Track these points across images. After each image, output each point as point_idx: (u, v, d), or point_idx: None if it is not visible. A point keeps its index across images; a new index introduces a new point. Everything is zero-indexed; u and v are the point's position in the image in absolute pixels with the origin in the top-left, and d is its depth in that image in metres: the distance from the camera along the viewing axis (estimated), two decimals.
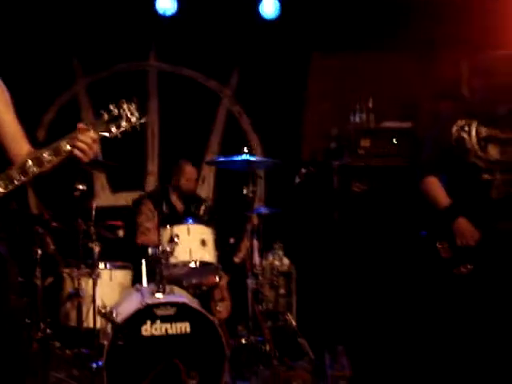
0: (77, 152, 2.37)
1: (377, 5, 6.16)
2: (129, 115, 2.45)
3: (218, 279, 4.83)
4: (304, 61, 6.63)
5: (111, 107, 2.45)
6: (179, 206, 5.51)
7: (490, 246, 3.76)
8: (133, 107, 2.47)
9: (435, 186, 3.90)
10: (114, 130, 2.44)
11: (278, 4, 6.09)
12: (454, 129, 3.85)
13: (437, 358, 4.22)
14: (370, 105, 6.12)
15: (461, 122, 3.87)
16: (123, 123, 2.44)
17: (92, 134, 2.39)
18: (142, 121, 2.48)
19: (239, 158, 4.67)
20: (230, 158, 4.78)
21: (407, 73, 6.37)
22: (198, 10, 6.16)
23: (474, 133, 3.85)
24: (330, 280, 5.87)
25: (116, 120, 2.44)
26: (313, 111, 6.63)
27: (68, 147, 2.37)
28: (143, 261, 4.59)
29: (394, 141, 5.94)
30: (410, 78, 6.35)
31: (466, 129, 3.86)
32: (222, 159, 5.14)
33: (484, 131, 3.85)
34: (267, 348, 4.70)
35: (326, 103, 6.59)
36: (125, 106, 2.46)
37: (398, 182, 5.83)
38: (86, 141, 2.37)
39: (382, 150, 5.92)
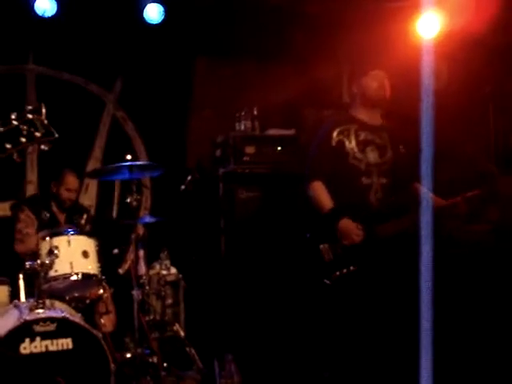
0: None
1: (261, 14, 6.23)
2: (32, 129, 1.97)
3: (101, 291, 4.69)
4: (188, 67, 6.61)
5: (12, 117, 1.97)
6: (60, 215, 5.31)
7: (370, 249, 3.92)
8: (39, 119, 1.99)
9: (319, 191, 4.07)
10: (8, 146, 1.98)
11: (162, 9, 6.01)
12: (335, 133, 4.09)
13: (323, 361, 4.33)
14: (255, 112, 6.19)
15: (341, 127, 4.12)
16: (22, 139, 1.97)
17: None
18: (50, 139, 2.00)
19: (122, 166, 4.56)
20: (112, 168, 4.65)
21: (290, 81, 6.49)
22: (79, 12, 5.94)
23: (352, 136, 4.09)
24: (218, 288, 5.87)
25: (13, 134, 1.96)
26: (198, 118, 6.63)
27: None
28: (20, 275, 4.36)
29: (279, 148, 6.04)
30: (293, 86, 6.47)
31: (346, 133, 4.10)
32: (104, 171, 4.99)
33: (363, 135, 4.11)
34: (154, 360, 4.63)
35: (210, 110, 6.61)
36: (29, 116, 1.98)
37: (282, 189, 5.93)
38: None
39: (267, 157, 6.01)
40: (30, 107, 2.01)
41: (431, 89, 1.16)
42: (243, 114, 6.17)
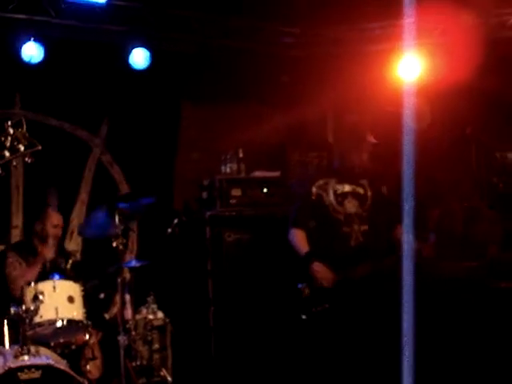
0: None
1: (246, 58, 6.33)
2: (15, 143, 1.96)
3: (87, 337, 4.61)
4: (174, 110, 6.66)
5: None
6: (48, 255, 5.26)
7: (341, 289, 4.28)
8: (21, 132, 2.00)
9: (298, 237, 4.46)
10: None
11: (148, 54, 6.08)
12: (314, 188, 4.44)
13: None
14: (241, 154, 6.23)
15: (320, 182, 4.46)
16: (6, 153, 1.96)
17: None
18: (33, 150, 1.98)
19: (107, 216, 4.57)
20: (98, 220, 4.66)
21: (275, 123, 6.57)
22: (66, 58, 6.02)
23: (330, 190, 4.42)
24: (206, 332, 5.81)
25: None
26: (184, 160, 6.65)
27: None
28: (5, 321, 4.30)
29: (265, 190, 6.07)
30: (278, 128, 6.55)
31: (324, 187, 4.44)
32: (90, 228, 5.01)
33: (340, 188, 4.44)
34: None
35: (196, 152, 6.64)
36: (10, 131, 1.98)
37: (269, 231, 5.93)
38: None
39: (253, 199, 6.03)
40: (9, 122, 1.96)
41: (412, 129, 1.18)
42: (229, 156, 6.22)
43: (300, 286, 4.41)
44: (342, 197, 4.44)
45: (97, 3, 5.54)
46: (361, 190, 4.50)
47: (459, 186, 5.57)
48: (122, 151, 6.47)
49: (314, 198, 4.44)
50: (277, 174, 6.26)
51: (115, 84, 6.30)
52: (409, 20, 1.45)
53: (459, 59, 5.32)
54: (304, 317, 4.35)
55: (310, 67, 6.35)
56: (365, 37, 6.22)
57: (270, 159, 6.56)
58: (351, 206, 4.43)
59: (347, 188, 4.47)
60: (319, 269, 4.30)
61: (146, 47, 6.04)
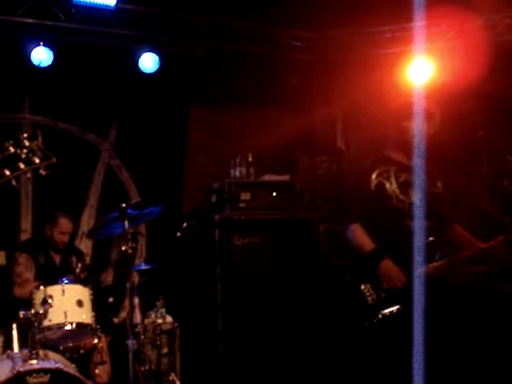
0: None
1: (256, 62, 6.33)
2: (30, 155, 1.97)
3: (96, 341, 4.61)
4: (183, 114, 6.66)
5: (7, 144, 1.97)
6: (56, 257, 5.27)
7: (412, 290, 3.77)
8: (36, 144, 1.98)
9: (359, 233, 3.89)
10: (7, 172, 1.97)
11: (157, 59, 6.09)
12: (374, 176, 3.89)
13: None
14: (250, 158, 6.22)
15: (379, 169, 3.91)
16: (21, 165, 1.96)
17: None
18: (49, 162, 1.99)
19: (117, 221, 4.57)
20: (108, 223, 4.66)
21: (284, 127, 6.55)
22: (75, 61, 6.04)
23: (393, 178, 3.89)
24: (214, 336, 5.79)
25: (11, 160, 1.95)
26: (193, 164, 6.65)
27: None
28: (14, 325, 4.30)
29: (274, 194, 6.05)
30: (288, 132, 6.53)
31: (385, 175, 3.90)
32: (101, 229, 5.00)
33: (403, 175, 3.89)
34: None
35: (205, 156, 6.63)
36: (26, 143, 1.97)
37: (279, 234, 5.92)
38: None
39: (262, 203, 6.01)
40: (25, 134, 2.01)
41: (423, 133, 1.17)
42: (238, 160, 6.20)
43: (363, 287, 3.80)
44: (405, 185, 3.88)
45: (106, 7, 5.55)
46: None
47: (472, 191, 5.50)
48: (131, 155, 6.48)
49: (373, 187, 3.87)
50: (286, 177, 6.25)
51: (124, 88, 6.31)
52: (419, 23, 1.43)
53: (469, 62, 5.30)
54: (367, 325, 3.73)
55: (320, 71, 6.34)
56: (374, 40, 6.21)
57: (280, 163, 6.55)
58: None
59: (410, 177, 3.87)
60: (390, 269, 3.74)
61: (154, 51, 6.05)
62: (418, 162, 1.12)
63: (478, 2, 5.38)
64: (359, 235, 3.88)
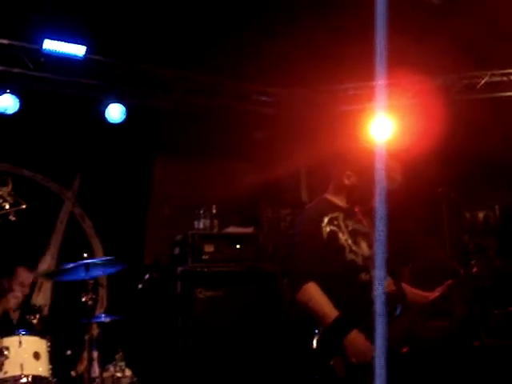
0: None
1: (221, 115, 6.41)
2: (0, 201, 1.93)
3: None
4: (147, 165, 6.68)
5: None
6: (13, 313, 5.14)
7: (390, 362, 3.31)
8: (6, 191, 1.96)
9: (316, 295, 3.26)
10: None
11: (124, 109, 6.12)
12: (324, 223, 3.37)
13: None
14: (214, 210, 6.23)
15: (329, 216, 3.41)
16: None
17: None
18: (18, 208, 1.98)
19: (78, 265, 4.49)
20: (68, 268, 4.57)
21: (249, 179, 6.61)
22: (41, 110, 6.03)
23: (343, 226, 3.41)
24: None
25: None
26: (156, 215, 6.64)
27: None
28: None
29: (238, 246, 6.05)
30: (252, 184, 6.58)
31: (335, 222, 3.41)
32: (59, 272, 4.91)
33: (350, 224, 3.47)
34: None
35: (169, 208, 6.63)
36: None
37: (242, 287, 5.89)
38: None
39: (226, 255, 6.00)
40: None
41: (384, 187, 1.20)
42: (202, 212, 6.21)
43: (333, 361, 3.23)
44: (354, 235, 3.44)
45: (75, 57, 5.59)
46: (364, 229, 3.52)
47: (428, 240, 5.56)
48: (93, 205, 6.44)
49: (325, 236, 3.34)
50: (250, 230, 6.27)
51: (89, 137, 6.32)
52: (380, 81, 1.48)
53: (429, 120, 5.46)
54: None
55: (284, 125, 6.44)
56: (338, 97, 6.36)
57: (243, 215, 6.58)
58: (364, 246, 3.43)
59: (355, 225, 3.48)
60: (359, 341, 3.19)
61: (121, 102, 6.08)
62: (380, 216, 1.15)
63: (435, 64, 5.59)
64: (317, 298, 3.25)
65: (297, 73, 5.88)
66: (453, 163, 5.98)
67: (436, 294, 3.62)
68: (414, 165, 5.52)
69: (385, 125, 5.85)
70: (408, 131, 5.79)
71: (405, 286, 3.60)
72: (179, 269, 5.86)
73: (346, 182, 3.50)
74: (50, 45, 5.42)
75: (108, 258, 4.76)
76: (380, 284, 1.20)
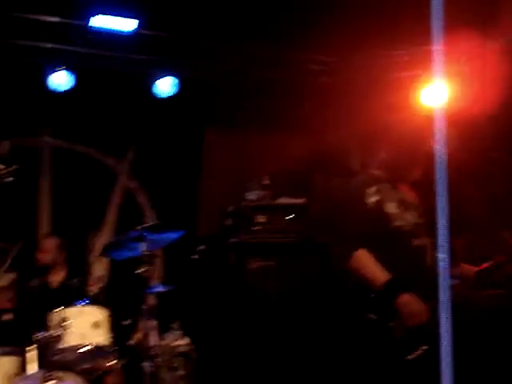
0: None
1: (269, 86, 6.37)
2: None
3: (112, 363, 4.60)
4: (199, 137, 6.72)
5: None
6: (54, 280, 5.31)
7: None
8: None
9: (367, 261, 3.31)
10: None
11: (175, 82, 6.16)
12: (371, 193, 3.42)
13: None
14: (266, 182, 6.23)
15: (374, 187, 3.45)
16: None
17: None
18: (11, 168, 2.10)
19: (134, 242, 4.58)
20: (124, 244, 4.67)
21: (300, 150, 6.57)
22: (93, 86, 6.12)
23: (390, 196, 3.45)
24: (232, 359, 5.76)
25: None
26: (208, 187, 6.67)
27: None
28: (31, 346, 4.31)
29: (290, 217, 6.04)
30: (303, 154, 6.55)
31: (383, 192, 3.45)
32: (116, 248, 5.01)
33: (397, 195, 3.48)
34: None
35: (221, 179, 6.66)
36: None
37: (294, 258, 5.90)
38: None
39: (278, 226, 6.00)
40: None
41: (444, 153, 1.18)
42: (253, 183, 6.21)
43: (392, 323, 3.24)
44: (402, 204, 3.45)
45: (123, 32, 5.63)
46: (411, 199, 3.53)
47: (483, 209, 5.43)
48: (148, 178, 6.53)
49: (370, 205, 3.39)
50: (301, 200, 6.24)
51: (141, 111, 6.38)
52: (437, 46, 1.44)
53: (486, 86, 5.30)
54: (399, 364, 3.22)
55: (336, 94, 6.36)
56: (392, 63, 6.23)
57: (295, 186, 6.55)
58: (413, 214, 3.44)
59: (401, 195, 3.49)
60: (412, 303, 3.21)
61: (172, 75, 6.11)
62: (439, 179, 1.13)
63: (501, 23, 5.41)
64: (368, 264, 3.30)
65: (349, 40, 5.78)
66: (509, 129, 5.82)
67: (482, 267, 3.59)
68: (469, 131, 5.41)
69: (441, 91, 5.71)
70: (464, 97, 5.64)
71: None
72: (232, 240, 5.90)
73: (388, 157, 3.55)
74: (99, 21, 5.47)
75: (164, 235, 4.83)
76: (442, 252, 1.18)
